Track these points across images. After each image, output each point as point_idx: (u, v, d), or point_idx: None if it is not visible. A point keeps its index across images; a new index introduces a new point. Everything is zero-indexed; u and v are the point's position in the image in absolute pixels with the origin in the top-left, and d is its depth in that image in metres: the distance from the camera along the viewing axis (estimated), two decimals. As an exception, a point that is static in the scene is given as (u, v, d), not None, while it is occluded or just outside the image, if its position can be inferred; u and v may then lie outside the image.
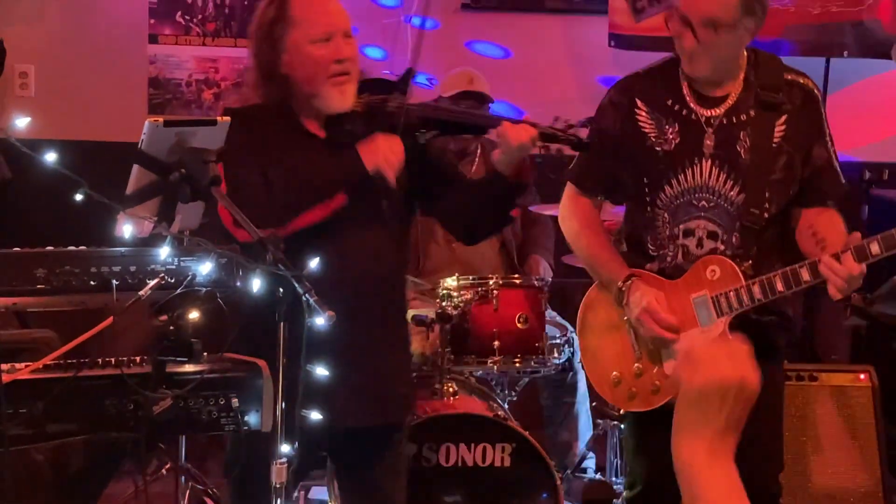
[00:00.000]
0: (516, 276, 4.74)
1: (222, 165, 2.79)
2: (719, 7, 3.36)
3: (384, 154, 3.12)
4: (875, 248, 3.29)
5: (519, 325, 4.51)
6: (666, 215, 3.54)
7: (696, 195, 3.50)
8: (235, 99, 3.36)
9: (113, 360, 2.73)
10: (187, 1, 6.05)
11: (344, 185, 3.10)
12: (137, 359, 2.76)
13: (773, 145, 3.48)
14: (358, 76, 3.25)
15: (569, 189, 3.72)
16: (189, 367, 2.77)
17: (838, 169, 3.55)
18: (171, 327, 2.71)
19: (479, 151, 5.22)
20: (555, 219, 4.51)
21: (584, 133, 3.32)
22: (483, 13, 6.28)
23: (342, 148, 3.18)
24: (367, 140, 3.15)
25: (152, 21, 6.05)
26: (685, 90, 3.52)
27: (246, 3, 6.05)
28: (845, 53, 5.81)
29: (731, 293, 3.46)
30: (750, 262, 3.48)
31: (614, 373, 3.64)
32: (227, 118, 2.88)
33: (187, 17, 6.06)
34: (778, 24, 5.56)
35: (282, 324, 2.73)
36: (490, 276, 4.60)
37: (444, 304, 4.49)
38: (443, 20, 6.24)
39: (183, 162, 2.77)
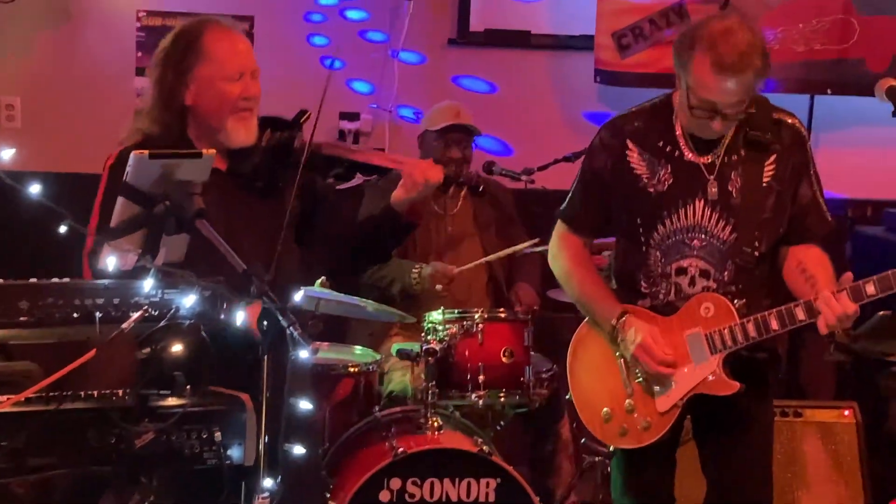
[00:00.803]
0: (501, 309, 4.73)
1: (97, 216, 2.88)
2: (744, 91, 3.36)
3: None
4: (871, 288, 3.33)
5: (504, 359, 4.50)
6: (658, 254, 3.55)
7: (689, 234, 3.52)
8: (126, 136, 3.39)
9: (95, 392, 2.71)
10: (174, 34, 6.06)
11: None
12: (120, 392, 2.74)
13: (763, 185, 3.50)
14: (257, 113, 3.36)
15: (559, 227, 3.74)
16: (172, 401, 2.75)
17: (824, 207, 3.58)
18: (154, 360, 2.70)
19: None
20: (540, 253, 4.53)
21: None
22: (470, 48, 6.30)
23: (245, 182, 3.32)
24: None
25: (139, 54, 6.05)
26: (678, 132, 3.54)
27: (233, 36, 6.07)
28: (829, 91, 5.85)
29: (726, 330, 3.47)
30: (744, 300, 3.49)
31: (605, 409, 3.64)
32: (213, 151, 2.90)
33: (174, 51, 6.06)
34: (762, 62, 5.59)
35: (265, 357, 2.72)
36: (475, 309, 4.60)
37: (429, 338, 4.49)
38: (430, 55, 6.26)
39: (168, 194, 2.77)
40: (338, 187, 3.58)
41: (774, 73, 5.55)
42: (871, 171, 6.30)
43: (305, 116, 3.39)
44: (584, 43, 6.08)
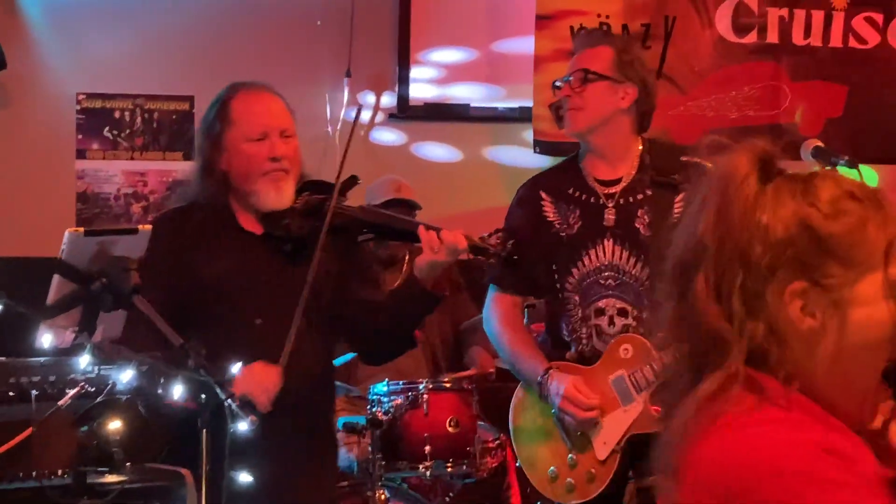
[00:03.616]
0: (446, 379, 4.74)
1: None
2: (593, 60, 3.59)
3: (259, 383, 3.04)
4: None
5: (450, 428, 4.50)
6: (576, 298, 3.62)
7: (603, 274, 3.60)
8: (174, 200, 3.43)
9: (34, 472, 2.70)
10: (115, 116, 6.08)
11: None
12: (59, 470, 2.73)
13: (674, 219, 3.56)
14: (297, 175, 3.31)
15: (490, 291, 3.80)
16: (111, 478, 2.74)
17: None
18: (92, 437, 2.69)
19: (406, 259, 5.25)
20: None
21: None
22: (411, 123, 6.36)
23: (276, 245, 3.25)
24: (246, 367, 3.05)
25: (80, 136, 6.06)
26: (587, 177, 3.67)
27: (174, 116, 6.10)
28: (764, 155, 5.96)
29: (647, 368, 3.53)
30: (661, 334, 3.52)
31: (551, 468, 3.67)
32: (149, 227, 2.91)
33: (115, 132, 6.08)
34: (697, 129, 5.69)
35: (204, 431, 2.72)
36: (419, 380, 4.60)
37: (374, 409, 4.48)
38: (371, 130, 6.31)
39: (104, 271, 2.77)
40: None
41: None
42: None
43: (354, 182, 3.33)
44: (522, 114, 6.16)
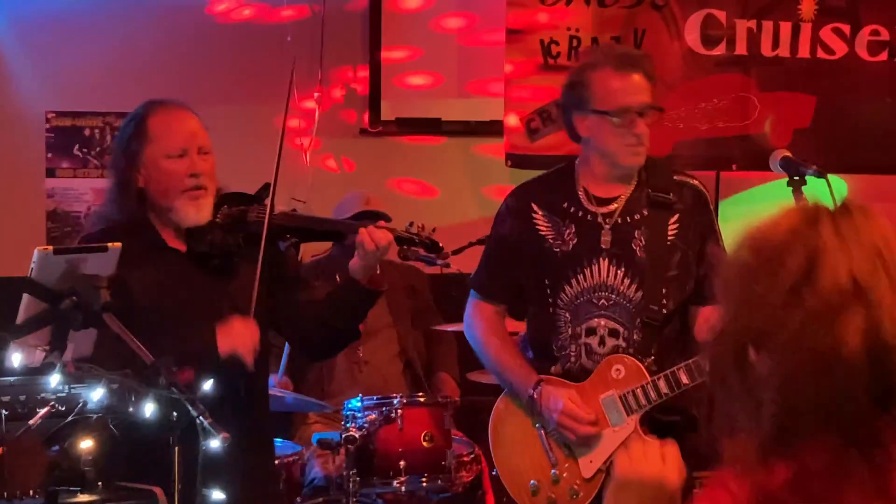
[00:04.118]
0: (420, 394, 4.74)
1: None
2: (649, 85, 3.53)
3: (241, 338, 3.18)
4: None
5: (424, 443, 4.49)
6: (567, 315, 3.60)
7: (596, 294, 3.57)
8: (89, 224, 3.41)
9: (5, 492, 2.67)
10: (84, 134, 6.06)
11: (196, 365, 2.93)
12: (31, 491, 2.71)
13: (668, 242, 3.58)
14: (214, 191, 3.34)
15: (472, 297, 3.78)
16: (83, 497, 2.72)
17: None
18: (63, 456, 2.67)
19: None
20: (458, 335, 4.55)
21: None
22: (380, 138, 6.36)
23: (203, 261, 3.28)
24: (224, 323, 3.20)
25: (49, 155, 6.04)
26: (580, 193, 3.62)
27: (144, 134, 6.08)
28: (734, 166, 5.98)
29: (638, 390, 3.52)
30: (653, 357, 3.54)
31: (532, 481, 3.65)
32: (119, 244, 2.90)
33: (85, 150, 6.06)
34: (668, 140, 5.71)
35: (176, 448, 2.71)
36: (394, 395, 4.59)
37: (348, 425, 4.47)
38: (341, 146, 6.31)
39: (74, 289, 2.76)
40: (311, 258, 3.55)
41: (680, 150, 5.75)
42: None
43: (269, 190, 3.36)
44: (494, 128, 6.17)
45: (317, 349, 3.69)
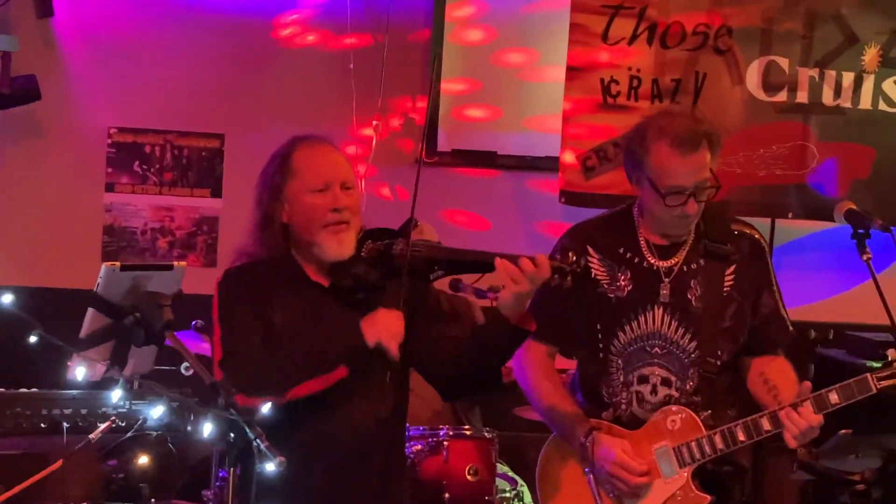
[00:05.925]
0: (466, 427, 4.73)
1: (219, 330, 2.83)
2: (705, 165, 3.46)
3: (385, 327, 3.13)
4: (834, 397, 3.37)
5: (469, 477, 4.49)
6: (619, 362, 3.58)
7: (650, 342, 3.56)
8: (234, 257, 3.39)
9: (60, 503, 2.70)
10: (145, 150, 6.13)
11: (346, 359, 3.10)
12: (84, 503, 2.73)
13: (724, 294, 3.56)
14: (358, 226, 3.31)
15: None
16: (137, 513, 2.75)
17: (786, 317, 3.64)
18: (120, 471, 2.69)
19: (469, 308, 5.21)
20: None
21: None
22: (436, 168, 6.38)
23: (346, 295, 3.24)
24: (368, 314, 3.17)
25: (109, 170, 6.10)
26: (641, 241, 3.60)
27: (203, 153, 6.14)
28: (790, 215, 5.96)
29: (693, 444, 3.49)
30: (710, 411, 3.52)
31: None
32: (184, 263, 2.93)
33: (144, 167, 6.13)
34: (725, 186, 5.69)
35: (231, 469, 2.72)
36: (440, 427, 4.59)
37: (394, 454, 4.46)
38: (397, 174, 6.33)
39: (138, 306, 2.79)
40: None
41: (736, 195, 5.73)
42: (833, 293, 6.38)
43: (414, 224, 3.31)
44: (549, 164, 6.18)
45: (456, 387, 3.45)
